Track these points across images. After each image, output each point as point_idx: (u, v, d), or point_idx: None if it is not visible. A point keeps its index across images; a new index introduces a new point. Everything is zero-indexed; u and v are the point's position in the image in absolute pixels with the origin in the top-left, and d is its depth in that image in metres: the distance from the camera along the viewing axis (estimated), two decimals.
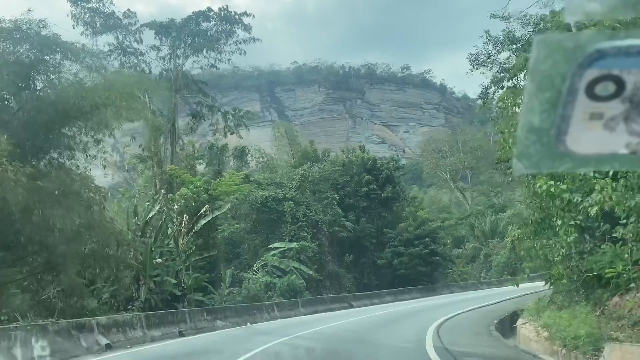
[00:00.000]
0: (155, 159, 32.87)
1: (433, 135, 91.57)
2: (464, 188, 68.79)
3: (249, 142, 43.62)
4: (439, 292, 38.35)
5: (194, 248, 25.56)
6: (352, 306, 29.31)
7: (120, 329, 14.64)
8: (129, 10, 36.63)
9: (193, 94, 38.20)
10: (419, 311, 23.42)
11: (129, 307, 20.67)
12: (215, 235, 29.73)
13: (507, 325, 15.82)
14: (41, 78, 17.66)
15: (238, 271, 28.52)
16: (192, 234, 25.27)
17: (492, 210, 54.87)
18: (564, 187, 10.77)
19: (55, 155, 18.57)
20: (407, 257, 38.12)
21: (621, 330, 9.02)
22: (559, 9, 19.53)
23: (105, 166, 19.42)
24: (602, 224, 11.39)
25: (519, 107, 16.01)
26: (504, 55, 25.24)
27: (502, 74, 26.83)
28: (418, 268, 38.32)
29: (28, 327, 12.21)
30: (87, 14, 34.81)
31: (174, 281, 22.40)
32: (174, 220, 25.27)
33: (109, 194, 38.90)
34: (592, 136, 0.94)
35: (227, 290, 26.24)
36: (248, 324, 20.68)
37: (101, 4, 35.03)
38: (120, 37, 36.25)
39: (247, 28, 38.04)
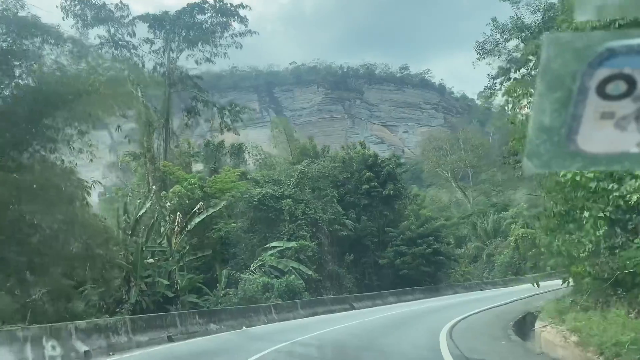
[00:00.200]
0: (148, 155, 31.73)
1: (433, 133, 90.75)
2: (465, 187, 67.92)
3: (247, 142, 42.61)
4: (443, 292, 37.33)
5: (188, 247, 24.80)
6: (353, 307, 28.36)
7: (102, 334, 13.39)
8: (121, 2, 35.55)
9: (188, 89, 36.99)
10: (426, 313, 22.42)
11: (119, 309, 19.70)
12: (210, 235, 28.84)
13: (524, 327, 14.67)
14: (20, 64, 16.41)
15: (234, 272, 27.51)
16: (185, 232, 24.45)
17: (494, 209, 54.13)
18: (590, 175, 9.87)
19: (37, 147, 17.43)
20: (410, 256, 36.99)
21: None
22: None
23: (91, 160, 18.20)
24: (635, 215, 10.33)
25: (529, 97, 15.02)
26: (512, 43, 24.26)
27: (508, 66, 25.99)
28: (421, 268, 37.20)
29: None
30: (78, 6, 33.71)
31: (166, 282, 21.46)
32: (167, 218, 24.37)
33: (105, 194, 38.08)
34: (603, 135, 0.94)
35: (222, 292, 25.35)
36: (244, 327, 19.62)
37: None
38: (112, 30, 35.14)
39: (243, 20, 37.04)
